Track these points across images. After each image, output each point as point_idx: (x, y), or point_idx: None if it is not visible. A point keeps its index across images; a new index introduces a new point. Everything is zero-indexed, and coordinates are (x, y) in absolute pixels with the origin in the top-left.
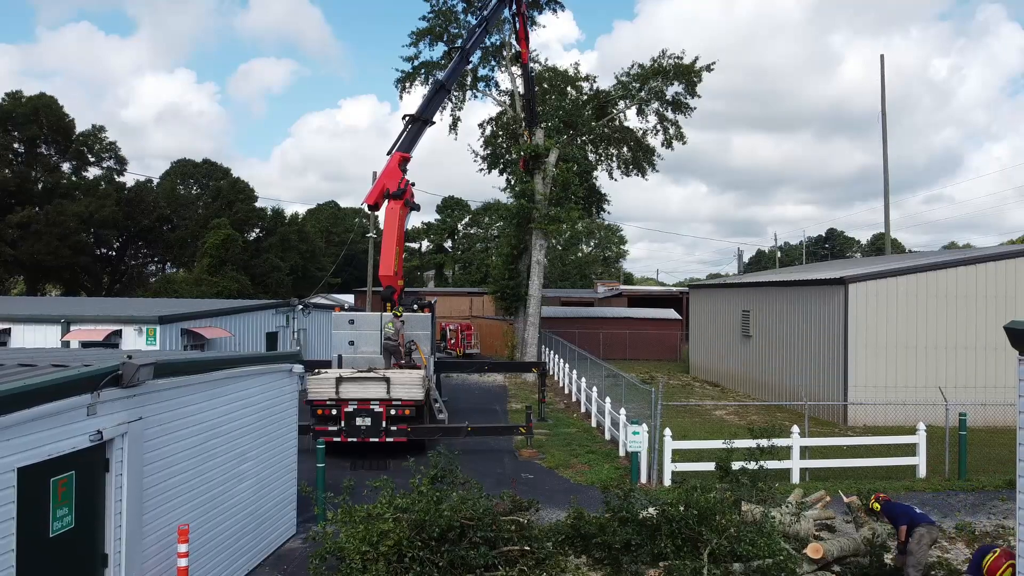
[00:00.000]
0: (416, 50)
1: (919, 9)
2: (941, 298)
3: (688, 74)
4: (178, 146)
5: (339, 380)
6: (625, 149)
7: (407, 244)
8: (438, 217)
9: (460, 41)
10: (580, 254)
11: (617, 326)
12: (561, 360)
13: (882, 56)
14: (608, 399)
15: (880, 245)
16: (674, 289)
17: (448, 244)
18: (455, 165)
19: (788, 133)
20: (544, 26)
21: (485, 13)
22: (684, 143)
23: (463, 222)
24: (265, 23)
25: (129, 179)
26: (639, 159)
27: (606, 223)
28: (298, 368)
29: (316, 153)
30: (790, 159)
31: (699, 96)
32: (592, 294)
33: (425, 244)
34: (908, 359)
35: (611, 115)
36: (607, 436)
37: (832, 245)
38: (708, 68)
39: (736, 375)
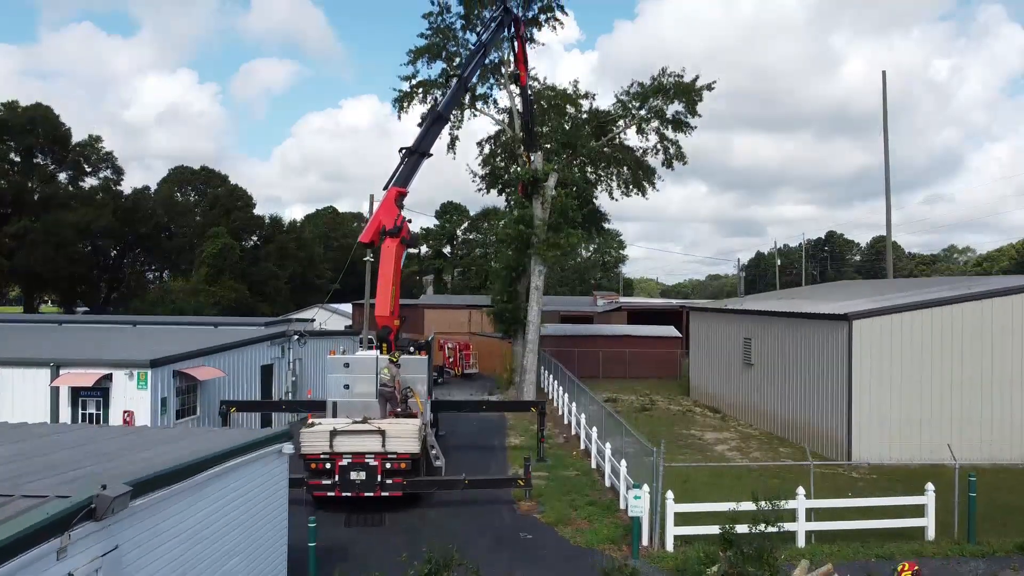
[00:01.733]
0: (414, 68)
1: (920, 10)
2: (947, 333)
3: (688, 93)
4: (179, 146)
5: (333, 433)
6: (625, 168)
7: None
8: (436, 223)
9: (458, 60)
10: (579, 259)
11: (617, 344)
12: (560, 387)
13: (884, 72)
14: (608, 444)
15: (880, 248)
16: (674, 303)
17: (447, 249)
18: (454, 166)
19: (788, 133)
20: (544, 44)
21: (483, 38)
22: (685, 163)
23: (462, 227)
24: (267, 24)
25: (126, 187)
26: (639, 178)
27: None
28: (288, 448)
29: (317, 153)
30: (790, 159)
31: (699, 115)
32: (591, 308)
33: (424, 249)
34: (913, 394)
35: (611, 134)
36: (607, 483)
37: (831, 248)
38: (709, 87)
39: (738, 403)
